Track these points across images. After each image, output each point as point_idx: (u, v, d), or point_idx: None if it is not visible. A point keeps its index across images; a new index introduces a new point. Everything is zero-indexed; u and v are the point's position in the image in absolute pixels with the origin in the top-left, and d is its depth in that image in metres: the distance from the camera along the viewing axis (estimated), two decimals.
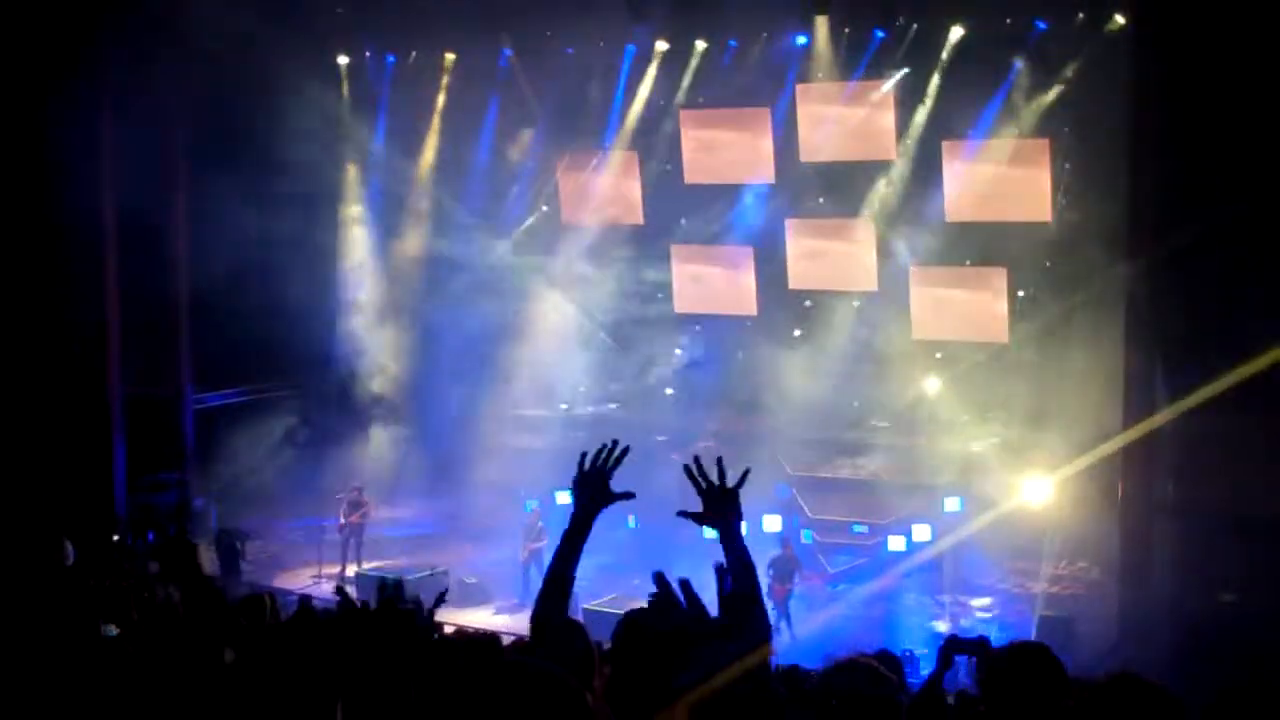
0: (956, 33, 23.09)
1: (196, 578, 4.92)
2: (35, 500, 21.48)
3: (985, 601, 21.90)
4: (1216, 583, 19.31)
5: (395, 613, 3.31)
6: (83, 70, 22.80)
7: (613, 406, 27.47)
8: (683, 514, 4.59)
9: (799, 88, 24.59)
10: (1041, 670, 4.81)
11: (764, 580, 21.03)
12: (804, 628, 20.29)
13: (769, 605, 19.29)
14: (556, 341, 26.93)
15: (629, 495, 4.86)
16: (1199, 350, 18.93)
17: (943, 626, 19.82)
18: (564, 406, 27.72)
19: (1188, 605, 18.63)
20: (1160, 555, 19.65)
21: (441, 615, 15.74)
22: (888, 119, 23.92)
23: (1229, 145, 18.44)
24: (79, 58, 22.61)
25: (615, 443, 4.97)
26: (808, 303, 25.86)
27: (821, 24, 24.04)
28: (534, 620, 4.79)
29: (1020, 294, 23.74)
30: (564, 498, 24.16)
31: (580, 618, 17.14)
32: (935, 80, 23.46)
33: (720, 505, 4.42)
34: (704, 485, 4.47)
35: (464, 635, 11.97)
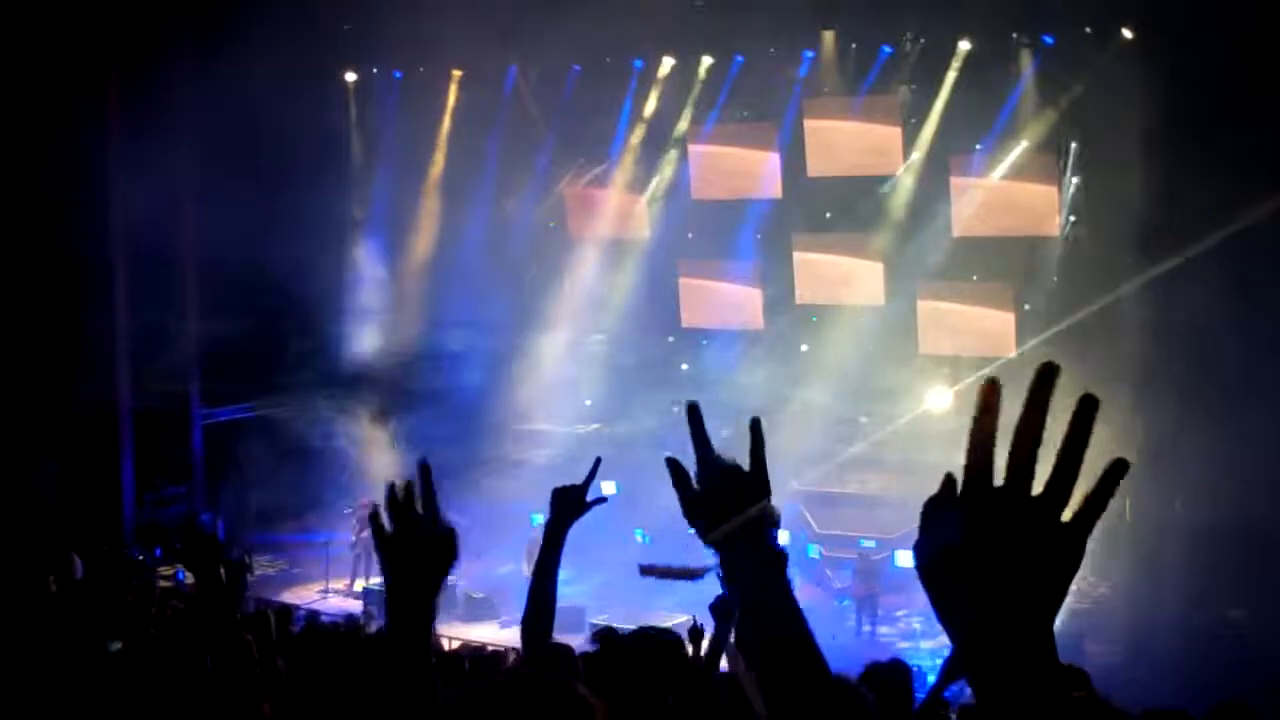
0: (963, 47, 23.11)
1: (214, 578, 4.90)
2: (43, 514, 21.52)
3: None
4: (1225, 599, 19.26)
5: None
6: (90, 86, 22.89)
7: (618, 421, 27.43)
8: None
9: (806, 103, 24.63)
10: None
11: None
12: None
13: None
14: (562, 355, 26.92)
15: (601, 500, 4.77)
16: (1209, 365, 18.89)
17: (947, 642, 19.74)
18: (570, 423, 27.71)
19: (1196, 622, 18.58)
20: (1169, 571, 19.61)
21: (448, 630, 15.74)
22: (895, 134, 23.96)
23: (1238, 159, 18.42)
24: (86, 74, 22.70)
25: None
26: (814, 318, 25.84)
27: (828, 39, 24.09)
28: (526, 642, 4.84)
29: (1027, 308, 23.72)
30: None
31: (587, 632, 17.16)
32: (942, 95, 23.49)
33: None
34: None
35: (470, 650, 11.99)
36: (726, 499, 2.47)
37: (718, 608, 5.79)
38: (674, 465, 2.55)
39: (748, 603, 2.37)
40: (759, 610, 2.37)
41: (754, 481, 2.58)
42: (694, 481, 2.56)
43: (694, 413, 2.61)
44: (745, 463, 2.60)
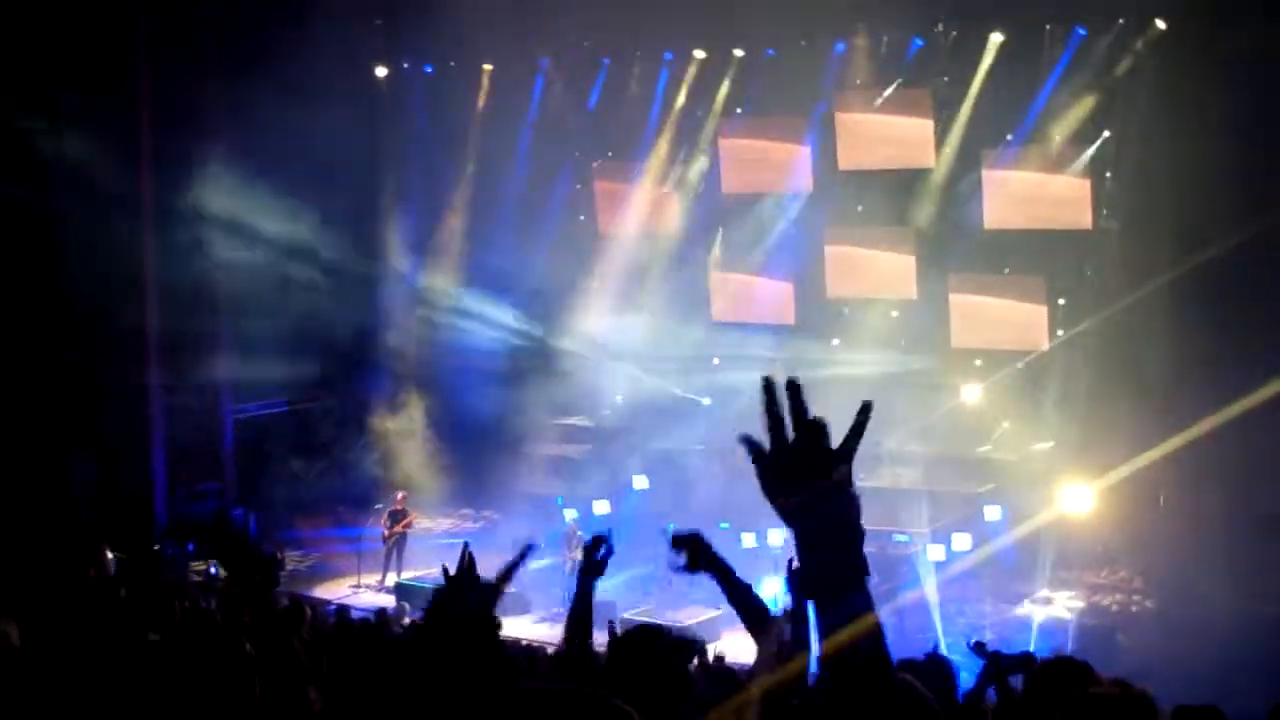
0: (996, 39, 23.00)
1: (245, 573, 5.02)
2: (76, 509, 21.64)
3: (1026, 611, 21.77)
4: (1260, 592, 19.14)
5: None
6: (120, 85, 23.01)
7: (648, 416, 27.43)
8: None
9: (837, 96, 24.55)
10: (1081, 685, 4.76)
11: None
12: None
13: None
14: (592, 351, 26.91)
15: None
16: (1241, 357, 18.79)
17: (983, 637, 19.68)
18: (601, 418, 27.77)
19: (1231, 615, 18.46)
20: (1203, 564, 19.49)
21: None
22: (926, 127, 23.84)
23: (1271, 151, 18.32)
24: (116, 73, 22.83)
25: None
26: (846, 311, 25.74)
27: (860, 32, 23.99)
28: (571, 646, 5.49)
29: (1060, 302, 23.59)
30: (602, 507, 24.42)
31: (618, 627, 17.17)
32: (974, 87, 23.37)
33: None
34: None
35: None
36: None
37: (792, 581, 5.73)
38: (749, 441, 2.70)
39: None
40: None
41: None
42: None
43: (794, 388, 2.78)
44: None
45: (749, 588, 5.25)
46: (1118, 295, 21.98)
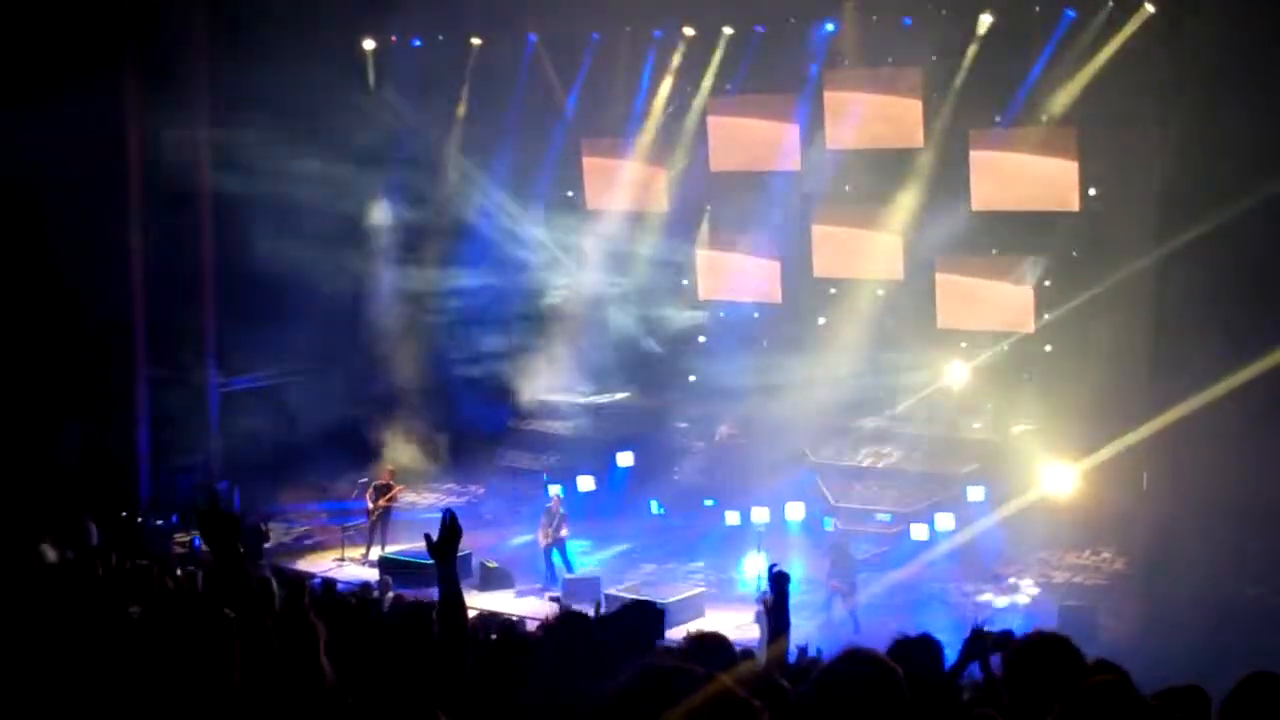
0: (985, 20, 22.97)
1: (234, 555, 5.04)
2: (60, 481, 21.61)
3: (1008, 591, 21.87)
4: (1242, 575, 19.23)
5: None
6: (109, 53, 22.93)
7: (635, 393, 27.47)
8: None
9: (826, 75, 24.51)
10: (1061, 661, 4.79)
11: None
12: (826, 616, 20.23)
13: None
14: (579, 327, 26.89)
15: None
16: (1227, 340, 18.83)
17: (965, 616, 19.74)
18: (586, 395, 27.81)
19: (1213, 597, 18.55)
20: (1185, 546, 19.58)
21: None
22: (915, 107, 23.80)
23: (1258, 134, 18.33)
24: (105, 45, 22.74)
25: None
26: (832, 290, 25.73)
27: (850, 10, 23.94)
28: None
29: (1046, 283, 23.61)
30: (586, 483, 24.45)
31: (603, 602, 17.23)
32: (963, 68, 23.34)
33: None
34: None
35: (484, 618, 12.02)
36: None
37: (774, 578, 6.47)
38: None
39: None
40: None
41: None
42: None
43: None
44: None
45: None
46: (1103, 275, 22.02)
